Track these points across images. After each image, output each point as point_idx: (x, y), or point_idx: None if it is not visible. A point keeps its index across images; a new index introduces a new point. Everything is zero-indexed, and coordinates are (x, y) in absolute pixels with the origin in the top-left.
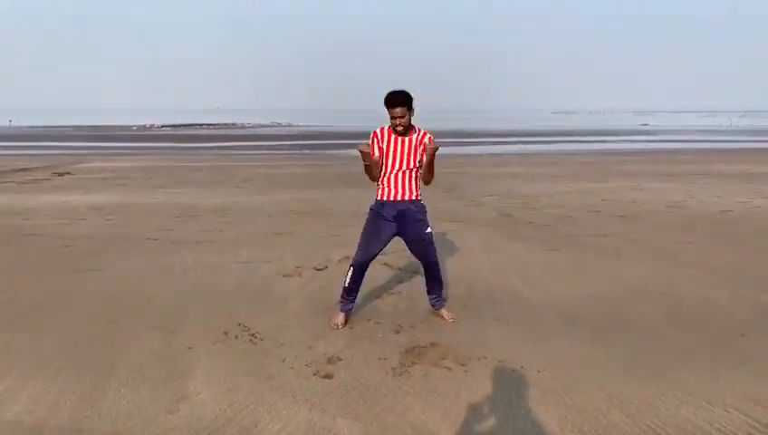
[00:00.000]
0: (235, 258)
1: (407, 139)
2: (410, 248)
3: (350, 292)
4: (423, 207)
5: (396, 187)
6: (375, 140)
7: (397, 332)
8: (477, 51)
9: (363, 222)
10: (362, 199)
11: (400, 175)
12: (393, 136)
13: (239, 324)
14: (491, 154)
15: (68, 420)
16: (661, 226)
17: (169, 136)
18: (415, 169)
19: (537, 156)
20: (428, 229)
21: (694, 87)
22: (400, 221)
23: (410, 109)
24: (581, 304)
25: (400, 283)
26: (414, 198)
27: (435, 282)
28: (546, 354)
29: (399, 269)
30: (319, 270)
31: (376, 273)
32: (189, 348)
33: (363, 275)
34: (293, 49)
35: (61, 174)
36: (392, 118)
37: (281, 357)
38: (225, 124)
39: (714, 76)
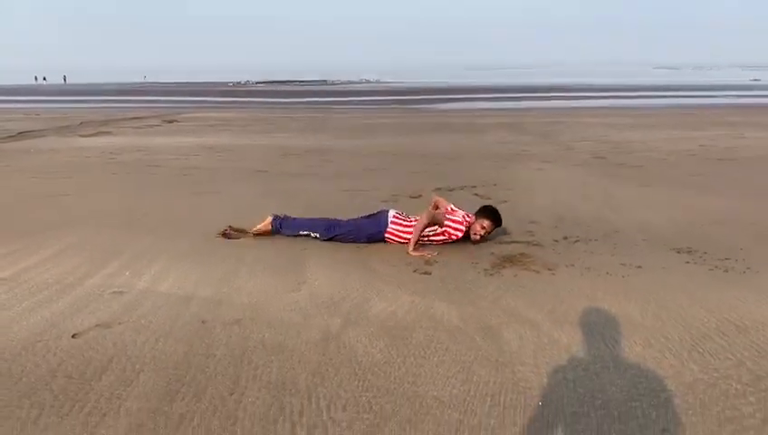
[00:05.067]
0: (338, 187)
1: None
2: None
3: None
4: None
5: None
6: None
7: (488, 244)
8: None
9: (453, 163)
10: (452, 143)
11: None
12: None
13: None
14: (588, 107)
15: (211, 294)
16: (759, 168)
17: (264, 92)
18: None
19: (636, 109)
20: None
21: None
22: None
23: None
24: (670, 228)
25: None
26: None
27: None
28: (632, 264)
29: (489, 198)
30: (413, 198)
31: (468, 201)
32: (304, 249)
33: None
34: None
35: (170, 121)
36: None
37: (383, 259)
38: (316, 81)
39: None
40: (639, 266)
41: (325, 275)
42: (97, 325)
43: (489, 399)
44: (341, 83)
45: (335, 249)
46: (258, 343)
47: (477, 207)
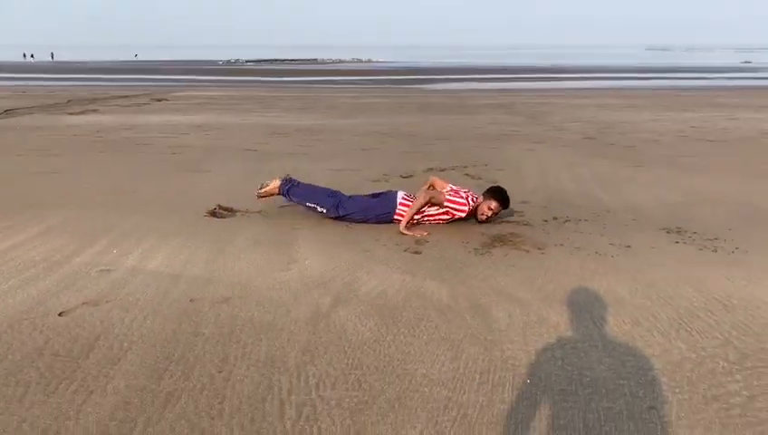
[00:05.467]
0: (328, 166)
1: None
2: None
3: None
4: None
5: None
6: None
7: (479, 224)
8: None
9: (444, 143)
10: (444, 123)
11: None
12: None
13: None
14: (578, 88)
15: (200, 272)
16: (752, 150)
17: (254, 70)
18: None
19: (627, 90)
20: None
21: None
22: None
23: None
24: (659, 209)
25: (481, 189)
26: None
27: None
28: (621, 244)
29: (480, 178)
30: (405, 178)
31: (460, 181)
32: (294, 229)
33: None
34: None
35: (159, 100)
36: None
37: (374, 238)
38: (306, 60)
39: None
40: (628, 246)
41: (315, 254)
42: (84, 303)
43: (478, 376)
44: (332, 63)
45: (326, 229)
46: (247, 322)
47: (469, 187)
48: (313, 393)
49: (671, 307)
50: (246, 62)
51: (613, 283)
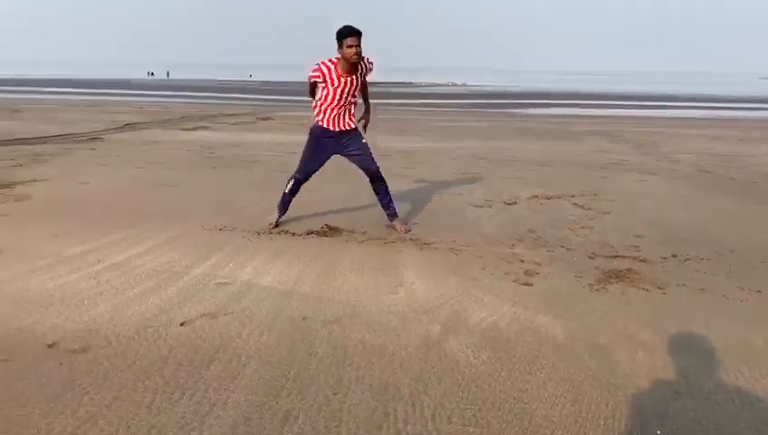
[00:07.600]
0: (429, 190)
1: (353, 77)
2: (352, 161)
3: (285, 203)
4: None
5: (337, 119)
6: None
7: (591, 257)
8: (683, 5)
9: (547, 170)
10: (545, 149)
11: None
12: (340, 76)
13: (439, 239)
14: (687, 117)
15: (310, 290)
16: None
17: None
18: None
19: (741, 121)
20: (364, 140)
21: None
22: (338, 142)
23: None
24: None
25: (591, 220)
26: (351, 127)
27: (382, 191)
28: (750, 288)
29: (590, 209)
30: (508, 204)
31: (567, 211)
32: (400, 251)
33: (298, 190)
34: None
35: (264, 119)
36: (349, 47)
37: (481, 266)
38: (401, 82)
39: None
40: (759, 291)
41: (421, 278)
42: (203, 315)
43: (602, 422)
44: (427, 85)
45: (430, 253)
46: (359, 344)
47: (581, 219)
48: (429, 425)
49: None
50: None
51: (745, 331)
